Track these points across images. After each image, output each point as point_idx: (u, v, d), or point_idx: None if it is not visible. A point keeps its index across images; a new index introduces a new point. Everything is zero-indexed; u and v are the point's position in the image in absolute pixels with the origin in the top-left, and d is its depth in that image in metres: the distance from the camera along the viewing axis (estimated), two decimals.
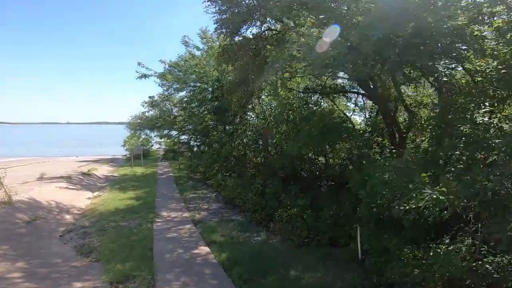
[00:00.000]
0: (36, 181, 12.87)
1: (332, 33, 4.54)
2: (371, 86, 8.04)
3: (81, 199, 11.24)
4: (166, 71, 18.25)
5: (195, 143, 18.58)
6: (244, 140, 12.91)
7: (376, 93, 8.01)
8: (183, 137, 21.02)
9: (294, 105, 7.86)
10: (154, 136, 29.13)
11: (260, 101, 12.17)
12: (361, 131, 7.64)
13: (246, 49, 9.27)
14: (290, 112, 7.57)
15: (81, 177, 15.38)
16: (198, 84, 16.30)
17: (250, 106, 12.93)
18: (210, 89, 15.91)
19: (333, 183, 9.67)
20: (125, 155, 27.38)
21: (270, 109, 8.68)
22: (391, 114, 7.74)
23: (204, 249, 6.19)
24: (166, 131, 25.58)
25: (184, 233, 7.27)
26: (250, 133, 12.70)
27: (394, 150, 6.12)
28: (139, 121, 27.32)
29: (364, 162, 8.34)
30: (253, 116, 14.17)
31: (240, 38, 9.86)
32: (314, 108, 8.79)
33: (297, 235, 6.55)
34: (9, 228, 6.79)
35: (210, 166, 14.28)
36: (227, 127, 15.35)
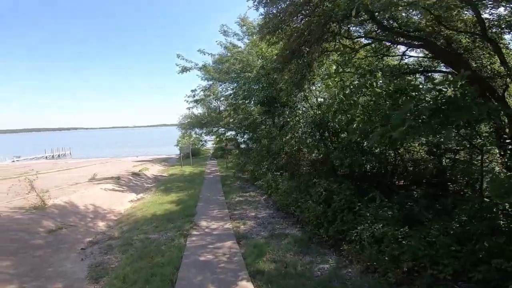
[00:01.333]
0: (86, 182, 12.76)
1: None
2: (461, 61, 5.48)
3: (123, 202, 10.48)
4: (211, 67, 17.02)
5: (242, 139, 16.95)
6: (297, 133, 10.68)
7: (471, 69, 5.59)
8: (229, 133, 19.67)
9: (377, 75, 5.20)
10: (202, 133, 28.74)
11: (321, 79, 9.63)
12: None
13: (296, 10, 7.02)
14: (373, 83, 4.91)
15: (130, 178, 15.10)
16: (242, 75, 14.60)
17: (304, 92, 10.65)
18: (255, 79, 14.10)
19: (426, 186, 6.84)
20: (178, 155, 27.65)
21: (340, 83, 6.06)
22: (499, 95, 5.45)
23: (245, 286, 4.21)
24: (215, 129, 24.76)
25: (222, 254, 5.42)
26: (303, 123, 10.38)
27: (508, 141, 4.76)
28: (188, 120, 27.17)
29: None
30: (305, 106, 11.86)
31: (287, 2, 7.65)
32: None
33: (392, 265, 4.12)
34: (24, 238, 5.87)
35: (258, 164, 12.49)
36: (276, 120, 13.32)
